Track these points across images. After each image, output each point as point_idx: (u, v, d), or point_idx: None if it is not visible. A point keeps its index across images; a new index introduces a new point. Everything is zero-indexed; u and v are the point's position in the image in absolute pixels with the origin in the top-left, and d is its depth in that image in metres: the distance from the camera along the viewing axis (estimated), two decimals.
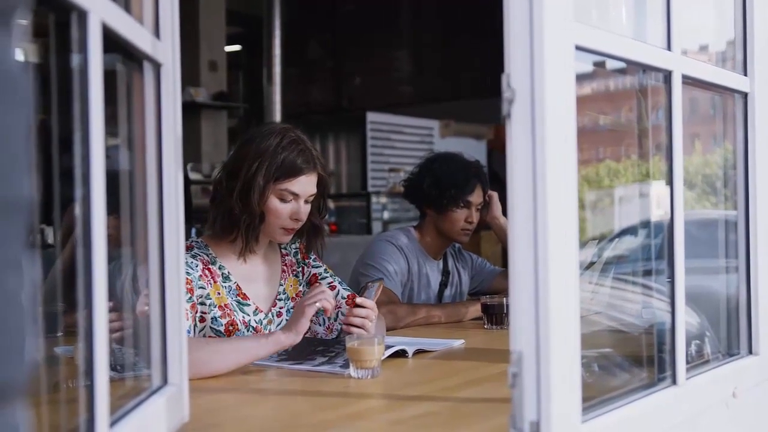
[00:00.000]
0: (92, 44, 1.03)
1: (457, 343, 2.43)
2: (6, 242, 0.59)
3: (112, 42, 1.13)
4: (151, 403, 1.31)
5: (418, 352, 2.26)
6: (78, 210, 1.03)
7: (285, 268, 2.45)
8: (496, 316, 2.72)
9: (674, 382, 1.56)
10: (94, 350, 1.03)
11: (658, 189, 1.85)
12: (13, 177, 0.59)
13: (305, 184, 2.27)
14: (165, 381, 1.41)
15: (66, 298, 1.40)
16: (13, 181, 0.59)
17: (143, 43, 1.29)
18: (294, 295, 2.43)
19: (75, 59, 1.04)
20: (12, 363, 0.59)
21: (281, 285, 2.42)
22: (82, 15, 1.02)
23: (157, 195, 1.40)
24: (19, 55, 0.62)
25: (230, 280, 2.29)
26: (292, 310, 2.37)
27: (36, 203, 0.63)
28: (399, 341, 2.26)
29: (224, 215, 2.27)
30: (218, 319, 2.23)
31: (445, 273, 3.23)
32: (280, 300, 2.40)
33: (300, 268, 2.48)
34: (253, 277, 2.36)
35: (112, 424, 1.11)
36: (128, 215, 1.40)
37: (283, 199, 2.25)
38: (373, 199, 7.65)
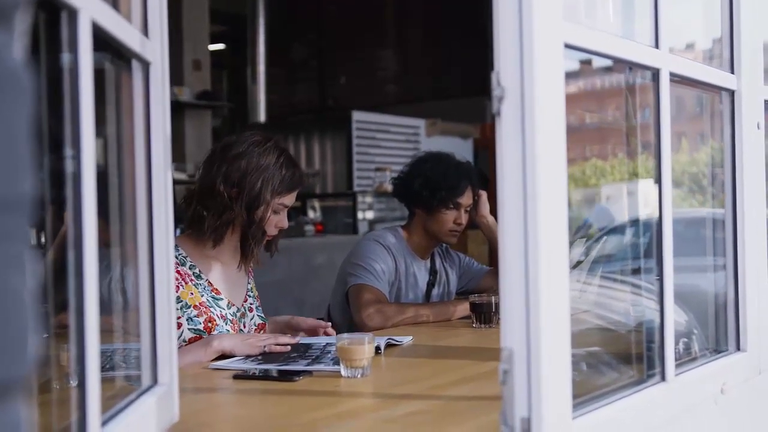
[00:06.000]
0: (83, 43, 1.03)
1: (407, 339, 2.45)
2: (9, 239, 0.59)
3: (101, 40, 1.13)
4: (141, 402, 1.30)
5: (390, 345, 2.32)
6: (68, 211, 1.03)
7: (249, 270, 2.57)
8: (485, 314, 2.73)
9: (663, 378, 1.57)
10: (86, 351, 1.03)
11: (645, 187, 1.87)
12: (17, 175, 0.59)
13: (294, 197, 2.46)
14: (155, 381, 1.40)
15: (53, 299, 1.40)
16: (17, 179, 0.59)
17: (132, 42, 1.29)
18: (256, 296, 2.58)
19: (65, 58, 1.03)
20: (16, 360, 0.59)
21: (249, 284, 2.55)
22: (73, 13, 1.01)
23: (146, 195, 1.39)
24: (21, 54, 0.62)
25: (202, 278, 2.38)
26: (259, 307, 2.55)
27: (35, 202, 0.63)
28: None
29: (226, 225, 2.36)
30: (195, 318, 2.31)
31: (433, 272, 3.23)
32: (250, 296, 2.53)
33: (253, 276, 2.63)
34: (224, 275, 2.46)
35: (103, 423, 1.10)
36: (116, 216, 1.39)
37: (275, 212, 2.40)
38: (359, 198, 7.63)
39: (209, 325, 2.32)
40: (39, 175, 0.75)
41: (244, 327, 2.45)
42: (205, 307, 2.33)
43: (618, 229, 2.35)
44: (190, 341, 2.27)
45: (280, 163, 2.38)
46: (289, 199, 2.42)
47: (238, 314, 2.44)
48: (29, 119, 0.61)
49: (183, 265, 2.36)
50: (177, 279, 2.28)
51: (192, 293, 2.33)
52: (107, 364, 1.39)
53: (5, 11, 0.58)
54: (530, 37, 1.19)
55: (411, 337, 2.48)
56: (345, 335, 2.01)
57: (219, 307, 2.37)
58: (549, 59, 1.22)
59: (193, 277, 2.36)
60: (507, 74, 1.21)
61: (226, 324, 2.36)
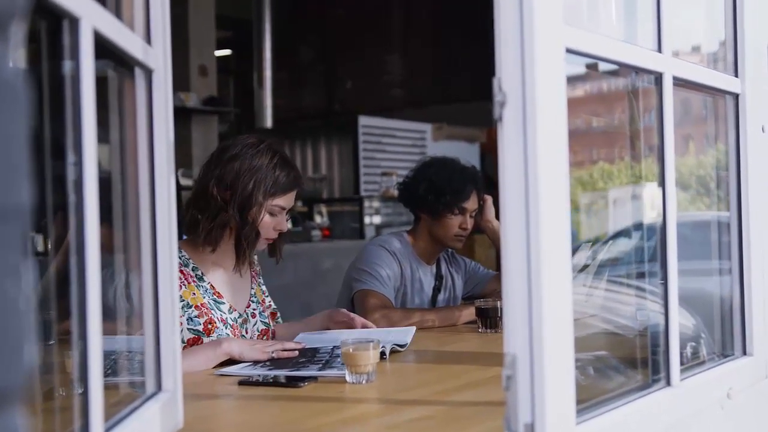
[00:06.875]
0: (84, 51, 1.03)
1: (411, 332, 2.49)
2: (5, 248, 0.59)
3: (103, 48, 1.13)
4: (145, 409, 1.31)
5: (394, 351, 2.31)
6: (70, 217, 1.03)
7: (253, 274, 2.58)
8: (490, 319, 2.72)
9: (668, 383, 1.56)
10: (89, 357, 1.03)
11: (651, 191, 1.86)
12: (12, 184, 0.60)
13: (292, 199, 2.44)
14: (159, 387, 1.40)
15: (58, 306, 1.41)
16: (12, 188, 0.60)
17: (134, 49, 1.29)
18: (261, 300, 2.57)
19: (66, 65, 1.04)
20: (12, 368, 0.60)
21: (252, 289, 2.55)
22: (74, 22, 1.02)
23: (150, 202, 1.39)
24: (17, 63, 0.62)
25: (204, 281, 2.39)
26: (263, 313, 2.54)
27: (32, 210, 0.63)
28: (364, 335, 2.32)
29: (220, 228, 2.35)
30: (195, 318, 2.32)
31: (439, 278, 3.23)
32: (253, 302, 2.53)
33: (260, 279, 2.63)
34: (227, 280, 2.46)
35: (107, 430, 1.11)
36: (120, 222, 1.40)
37: (271, 213, 2.39)
38: (366, 203, 7.63)
39: (209, 327, 2.32)
40: (41, 184, 0.76)
41: (246, 333, 2.45)
42: (206, 309, 2.34)
43: (625, 233, 2.34)
44: (189, 342, 2.28)
45: (273, 164, 2.37)
46: (285, 201, 2.40)
47: (240, 320, 2.44)
48: (26, 129, 0.61)
49: (186, 266, 2.36)
50: (180, 278, 2.29)
51: (194, 293, 2.34)
52: (109, 369, 1.39)
53: (1, 21, 0.59)
54: (531, 42, 1.19)
55: (413, 328, 2.52)
56: (350, 341, 2.00)
57: (220, 310, 2.37)
58: (550, 64, 1.22)
59: (195, 279, 2.36)
60: (508, 79, 1.20)
61: (225, 328, 2.36)
